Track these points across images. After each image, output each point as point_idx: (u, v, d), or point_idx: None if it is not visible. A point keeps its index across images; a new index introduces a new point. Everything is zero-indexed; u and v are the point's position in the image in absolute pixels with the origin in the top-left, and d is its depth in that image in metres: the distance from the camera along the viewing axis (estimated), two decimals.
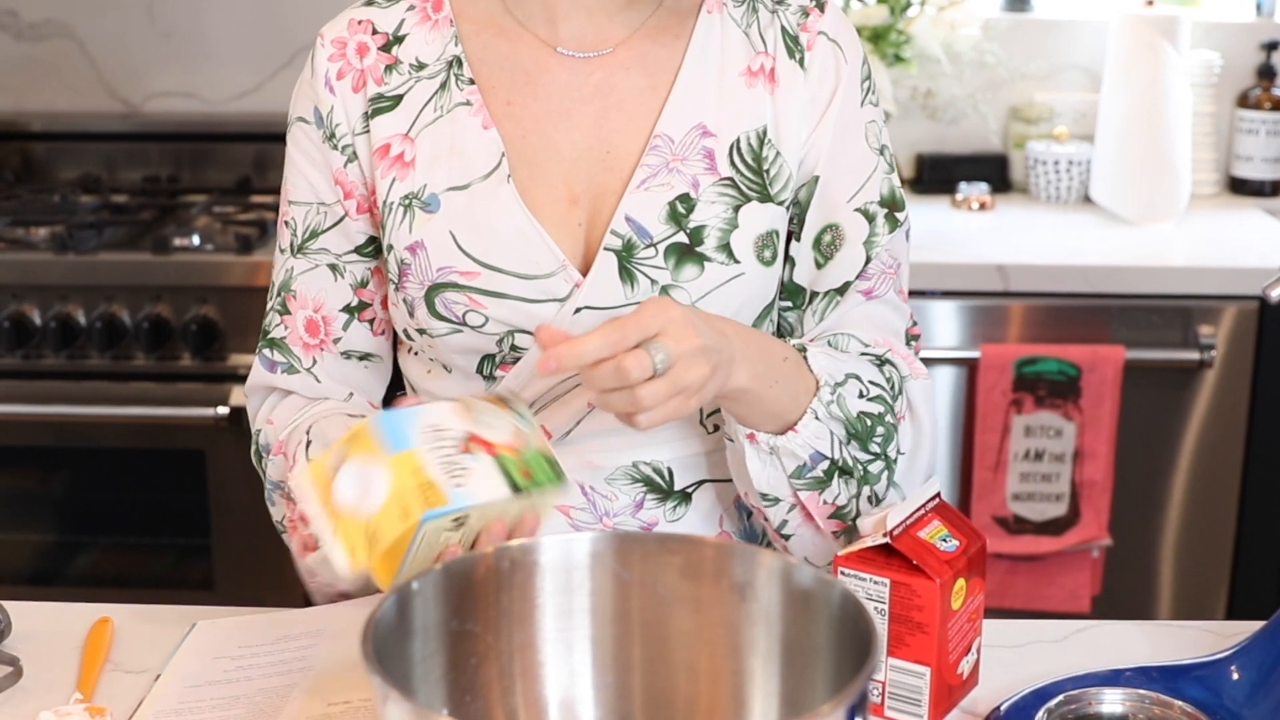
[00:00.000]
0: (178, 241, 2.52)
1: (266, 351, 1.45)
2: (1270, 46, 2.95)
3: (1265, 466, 2.55)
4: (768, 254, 1.38)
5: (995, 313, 2.50)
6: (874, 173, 1.42)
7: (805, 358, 1.32)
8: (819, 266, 1.41)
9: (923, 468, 1.41)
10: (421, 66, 1.39)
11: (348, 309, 1.44)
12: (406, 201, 1.37)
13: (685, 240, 1.35)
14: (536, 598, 1.04)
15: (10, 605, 1.35)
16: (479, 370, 1.39)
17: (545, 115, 1.38)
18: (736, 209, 1.36)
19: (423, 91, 1.39)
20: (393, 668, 0.94)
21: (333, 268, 1.42)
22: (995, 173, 2.95)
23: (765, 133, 1.38)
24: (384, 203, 1.38)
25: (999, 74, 2.92)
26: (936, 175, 2.93)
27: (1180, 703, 1.18)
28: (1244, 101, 2.96)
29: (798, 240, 1.42)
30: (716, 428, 1.42)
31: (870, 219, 1.41)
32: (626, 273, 1.34)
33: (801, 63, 1.40)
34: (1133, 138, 2.75)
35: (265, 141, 2.91)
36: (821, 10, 1.42)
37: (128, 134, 3.03)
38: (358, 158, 1.40)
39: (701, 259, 1.35)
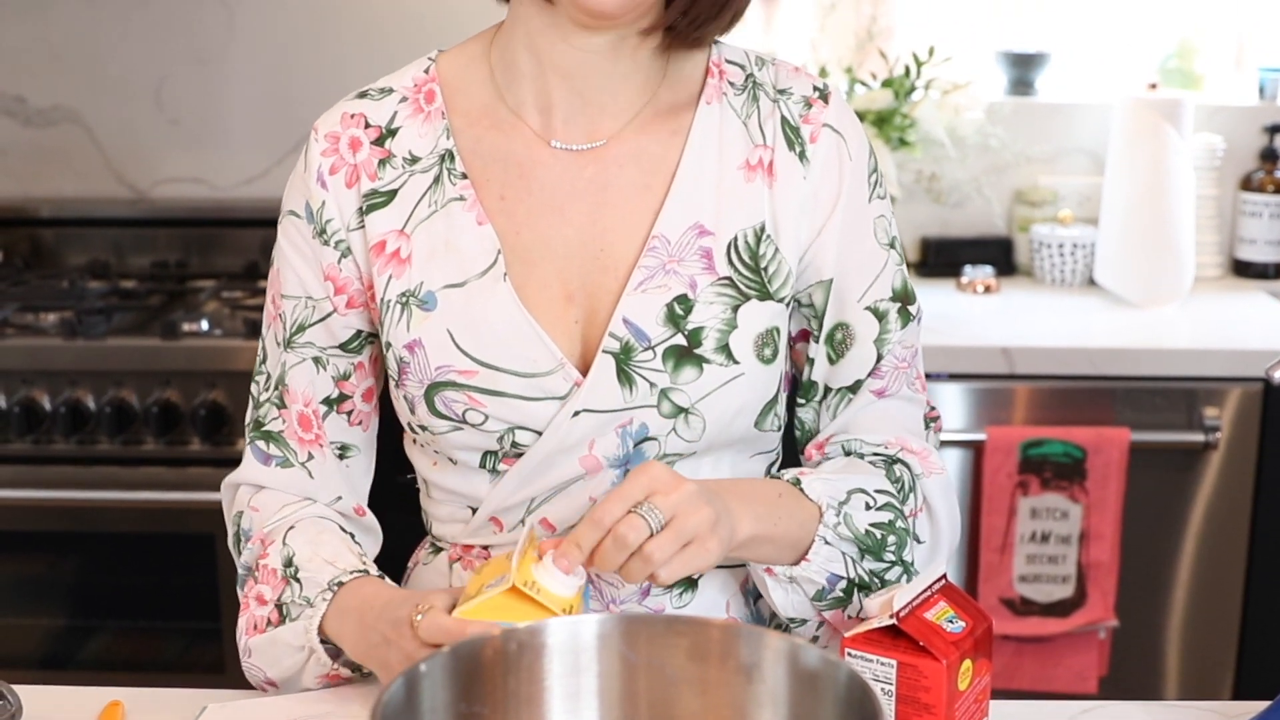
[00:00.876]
0: (186, 327, 2.53)
1: (261, 444, 1.44)
2: (1273, 130, 2.97)
3: (1271, 548, 2.54)
4: (767, 352, 1.37)
5: (1000, 395, 2.50)
6: (884, 269, 1.41)
7: (801, 488, 1.32)
8: (831, 363, 1.42)
9: (944, 558, 1.41)
10: (415, 160, 1.38)
11: (327, 400, 1.42)
12: (404, 299, 1.36)
13: (684, 342, 1.34)
14: (544, 680, 1.04)
15: (21, 689, 1.34)
16: (481, 465, 1.39)
17: (539, 210, 1.37)
18: (735, 309, 1.36)
19: (416, 186, 1.38)
20: None
21: (317, 360, 1.41)
22: (1000, 256, 2.97)
23: (763, 229, 1.37)
24: (381, 300, 1.37)
25: (1003, 157, 2.94)
26: (941, 258, 2.94)
27: None
28: (1247, 184, 2.98)
29: (816, 340, 1.42)
30: None
31: (881, 317, 1.41)
32: (625, 375, 1.34)
33: (803, 155, 1.38)
34: (1137, 221, 2.76)
35: (273, 226, 2.89)
36: (825, 101, 1.40)
37: (136, 220, 3.05)
38: (352, 253, 1.38)
39: (700, 360, 1.34)
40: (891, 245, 1.42)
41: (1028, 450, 2.47)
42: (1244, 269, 2.99)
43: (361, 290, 1.40)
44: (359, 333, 1.42)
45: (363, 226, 1.38)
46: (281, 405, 1.42)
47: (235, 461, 1.35)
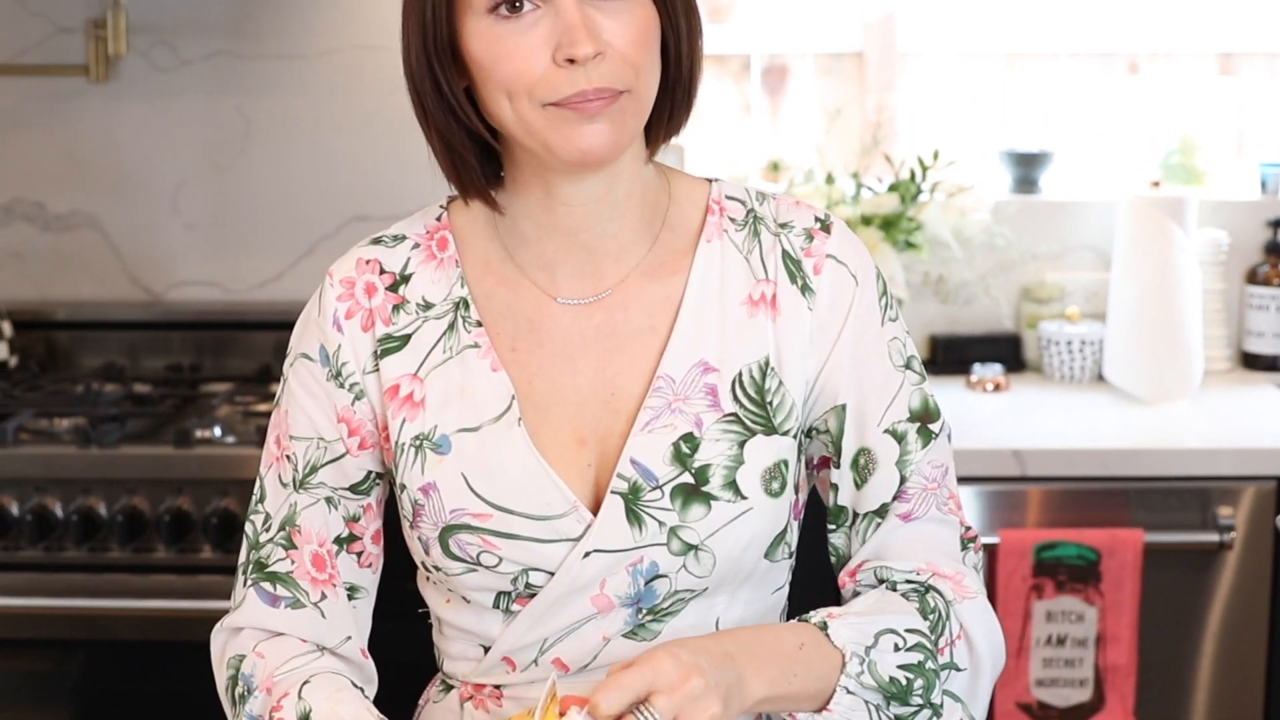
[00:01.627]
0: (199, 434, 2.54)
1: (267, 585, 1.41)
2: (1276, 224, 2.98)
3: None
4: (775, 485, 1.37)
5: (1013, 498, 2.50)
6: (899, 391, 1.41)
7: (827, 633, 1.31)
8: (857, 488, 1.41)
9: (987, 682, 1.40)
10: (429, 306, 1.40)
11: (338, 540, 1.42)
12: (418, 442, 1.37)
13: (691, 480, 1.35)
14: None
15: None
16: (495, 605, 1.39)
17: (550, 361, 1.38)
18: (741, 444, 1.36)
19: (431, 332, 1.39)
20: None
21: (329, 500, 1.41)
22: (1009, 353, 2.97)
23: (768, 363, 1.38)
24: (396, 443, 1.38)
25: (1009, 255, 2.95)
26: (950, 356, 2.95)
27: None
28: (1253, 278, 2.99)
29: (837, 466, 1.41)
30: None
31: (900, 439, 1.40)
32: (634, 515, 1.34)
33: (805, 288, 1.39)
34: (1144, 317, 2.77)
35: (286, 330, 2.89)
36: (827, 231, 1.41)
37: (151, 323, 3.07)
38: (366, 395, 1.40)
39: (708, 498, 1.35)
40: (908, 366, 1.42)
41: (1041, 553, 2.46)
42: (1252, 361, 2.99)
43: (374, 432, 1.41)
44: (370, 474, 1.43)
45: (377, 370, 1.39)
46: (290, 546, 1.41)
47: None
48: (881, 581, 1.41)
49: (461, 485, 1.35)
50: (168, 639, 2.52)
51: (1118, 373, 2.81)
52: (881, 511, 1.41)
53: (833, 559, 1.46)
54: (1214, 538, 2.48)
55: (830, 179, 2.79)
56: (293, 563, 1.41)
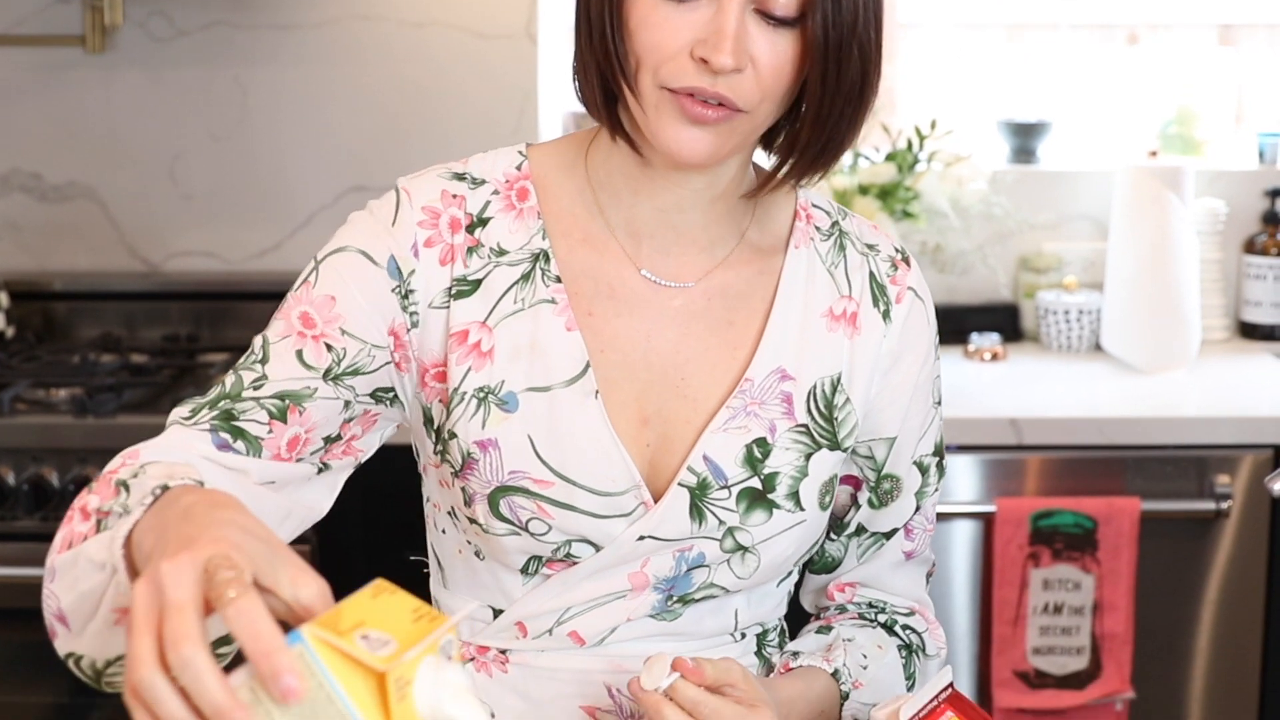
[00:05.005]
0: None
1: (225, 434, 1.28)
2: (1274, 193, 2.98)
3: None
4: (827, 499, 1.39)
5: (1010, 466, 2.50)
6: (930, 425, 1.44)
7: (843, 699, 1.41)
8: (873, 508, 1.45)
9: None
10: (503, 253, 1.34)
11: (327, 438, 1.33)
12: (481, 394, 1.32)
13: (758, 486, 1.34)
14: None
15: None
16: (524, 569, 1.35)
17: (625, 333, 1.35)
18: (808, 456, 1.36)
19: (502, 279, 1.34)
20: None
21: (348, 405, 1.33)
22: (1006, 322, 2.97)
23: (839, 379, 1.38)
24: (455, 390, 1.32)
25: (1007, 225, 2.95)
26: (948, 326, 2.93)
27: None
28: (1250, 248, 2.99)
29: (865, 488, 1.45)
30: (758, 649, 1.44)
31: (924, 471, 1.45)
32: (697, 510, 1.33)
33: (886, 315, 1.39)
34: (1142, 286, 2.77)
35: (281, 299, 2.94)
36: (908, 264, 1.42)
37: (148, 293, 3.07)
38: (422, 326, 1.33)
39: (771, 505, 1.34)
40: (938, 404, 1.45)
41: (1038, 521, 2.47)
42: (1250, 331, 3.00)
43: (412, 361, 1.34)
44: (392, 391, 1.35)
45: (447, 309, 1.33)
46: (279, 419, 1.29)
47: None
48: (876, 610, 1.49)
49: (526, 447, 1.31)
50: None
51: (1115, 342, 2.81)
52: (890, 534, 1.46)
53: (815, 559, 1.50)
54: (1211, 506, 2.48)
55: None
56: (270, 431, 1.29)
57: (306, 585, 0.93)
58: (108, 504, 1.14)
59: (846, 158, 2.79)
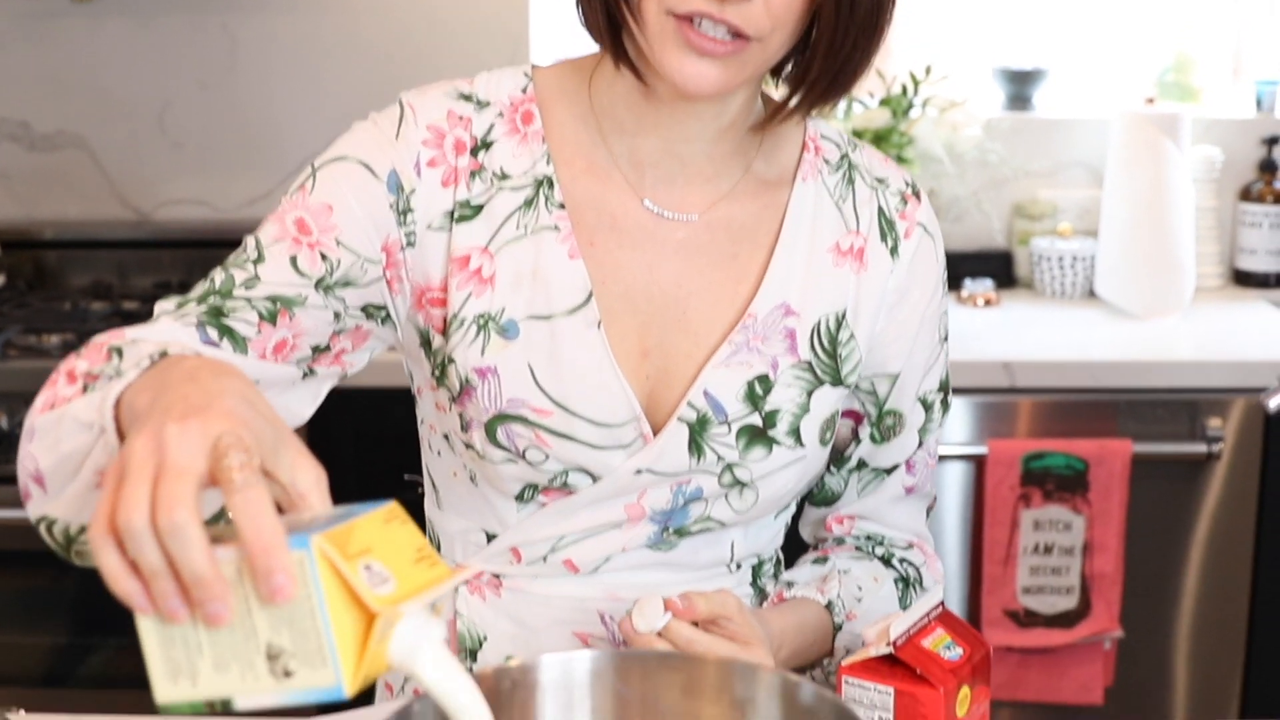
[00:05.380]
0: None
1: (212, 330, 1.24)
2: (1270, 141, 2.97)
3: (1276, 557, 2.54)
4: (828, 435, 1.38)
5: (1002, 409, 2.50)
6: (937, 362, 1.43)
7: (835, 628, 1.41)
8: (875, 443, 1.44)
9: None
10: (505, 177, 1.32)
11: (315, 348, 1.31)
12: (481, 321, 1.30)
13: (759, 423, 1.33)
14: (537, 717, 1.04)
15: (20, 714, 1.34)
16: (519, 496, 1.34)
17: (627, 264, 1.33)
18: (809, 393, 1.35)
19: (504, 204, 1.31)
20: None
21: (338, 315, 1.30)
22: (1000, 269, 2.97)
23: (844, 315, 1.36)
24: (454, 316, 1.30)
25: (1002, 172, 2.94)
26: None
27: None
28: (1246, 195, 2.98)
29: (867, 423, 1.44)
30: (753, 580, 1.44)
31: (928, 407, 1.44)
32: (696, 446, 1.33)
33: (894, 251, 1.37)
34: (1136, 233, 2.76)
35: None
36: (918, 198, 1.40)
37: (139, 241, 3.07)
38: (418, 247, 1.30)
39: (771, 442, 1.34)
40: (944, 339, 1.44)
41: (1030, 463, 2.47)
42: (1245, 279, 2.99)
43: (408, 284, 1.32)
44: (383, 310, 1.33)
45: (447, 231, 1.31)
46: (269, 321, 1.26)
47: None
48: (874, 543, 1.48)
49: (526, 376, 1.30)
50: None
51: (1109, 288, 2.81)
52: (891, 470, 1.45)
53: (814, 491, 1.49)
54: (1202, 449, 2.48)
55: None
56: (258, 333, 1.26)
57: (305, 471, 0.91)
58: (98, 368, 1.11)
59: (841, 102, 2.78)
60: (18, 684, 2.59)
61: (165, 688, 0.88)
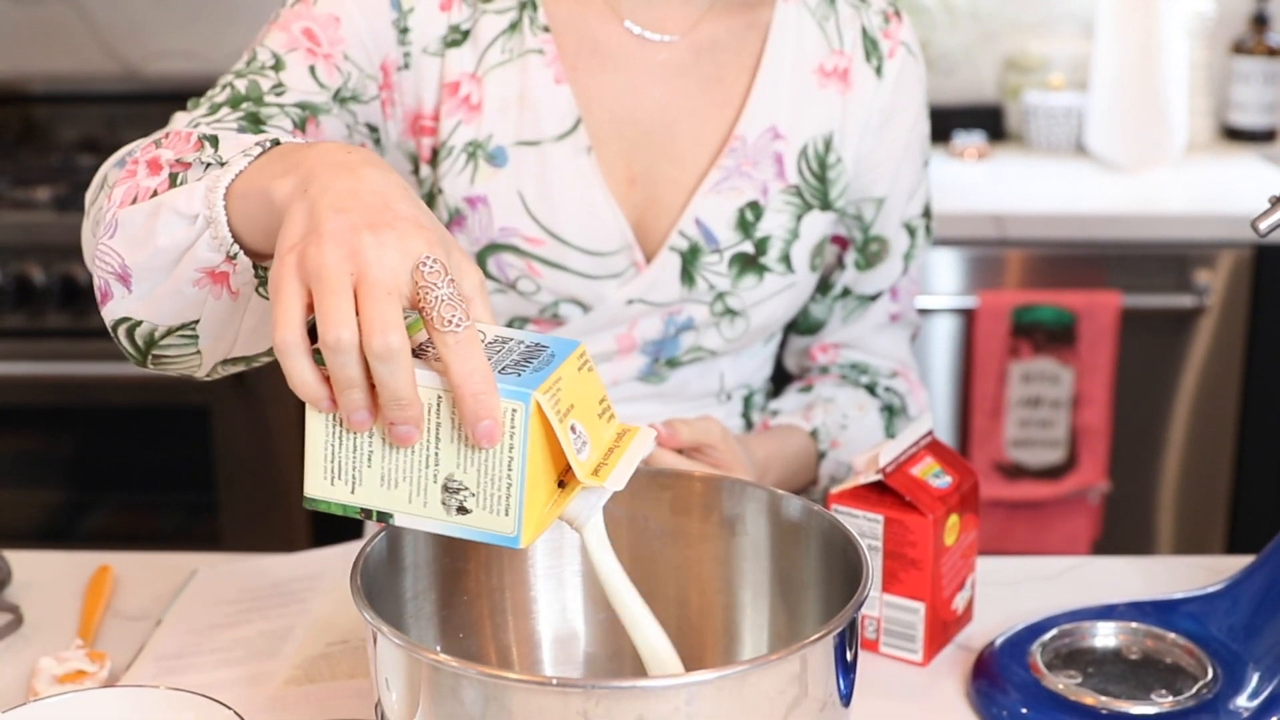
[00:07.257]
0: None
1: (251, 131, 1.15)
2: None
3: (1261, 411, 2.56)
4: (817, 261, 1.39)
5: (992, 261, 2.51)
6: (920, 186, 1.43)
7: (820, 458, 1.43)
8: (859, 269, 1.45)
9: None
10: (489, 0, 1.30)
11: None
12: (470, 149, 1.29)
13: (750, 250, 1.34)
14: None
15: (11, 555, 1.36)
16: (509, 325, 1.34)
17: (610, 89, 1.32)
18: (799, 218, 1.35)
19: (488, 27, 1.29)
20: (383, 605, 0.94)
21: (350, 131, 1.27)
22: (991, 122, 2.96)
23: (831, 138, 1.35)
24: (443, 144, 1.29)
25: (993, 25, 2.92)
26: (932, 125, 2.89)
27: (1173, 635, 1.19)
28: (1238, 49, 2.96)
29: (852, 248, 1.44)
30: (744, 411, 1.45)
31: (912, 233, 1.44)
32: (688, 276, 1.33)
33: (879, 70, 1.37)
34: (1127, 86, 2.75)
35: None
36: (899, 18, 1.39)
37: (128, 95, 3.04)
38: (412, 70, 1.28)
39: (762, 269, 1.34)
40: (926, 164, 1.44)
41: (1019, 316, 2.48)
42: (1236, 134, 2.98)
43: (400, 108, 1.29)
44: (377, 133, 1.30)
45: (441, 57, 1.28)
46: (300, 128, 1.21)
47: None
48: (859, 371, 1.48)
49: (516, 203, 1.29)
50: (152, 404, 2.54)
51: (1100, 141, 2.80)
52: (875, 297, 1.46)
53: (799, 320, 1.49)
54: (1190, 302, 2.49)
55: None
56: (294, 139, 1.10)
57: (469, 275, 0.87)
58: (190, 156, 1.01)
59: None
60: (15, 540, 2.61)
61: (320, 485, 0.85)
